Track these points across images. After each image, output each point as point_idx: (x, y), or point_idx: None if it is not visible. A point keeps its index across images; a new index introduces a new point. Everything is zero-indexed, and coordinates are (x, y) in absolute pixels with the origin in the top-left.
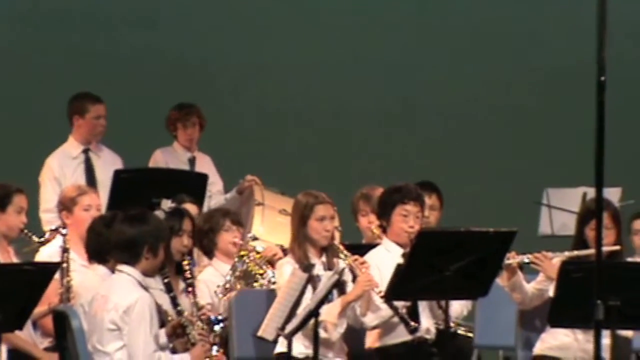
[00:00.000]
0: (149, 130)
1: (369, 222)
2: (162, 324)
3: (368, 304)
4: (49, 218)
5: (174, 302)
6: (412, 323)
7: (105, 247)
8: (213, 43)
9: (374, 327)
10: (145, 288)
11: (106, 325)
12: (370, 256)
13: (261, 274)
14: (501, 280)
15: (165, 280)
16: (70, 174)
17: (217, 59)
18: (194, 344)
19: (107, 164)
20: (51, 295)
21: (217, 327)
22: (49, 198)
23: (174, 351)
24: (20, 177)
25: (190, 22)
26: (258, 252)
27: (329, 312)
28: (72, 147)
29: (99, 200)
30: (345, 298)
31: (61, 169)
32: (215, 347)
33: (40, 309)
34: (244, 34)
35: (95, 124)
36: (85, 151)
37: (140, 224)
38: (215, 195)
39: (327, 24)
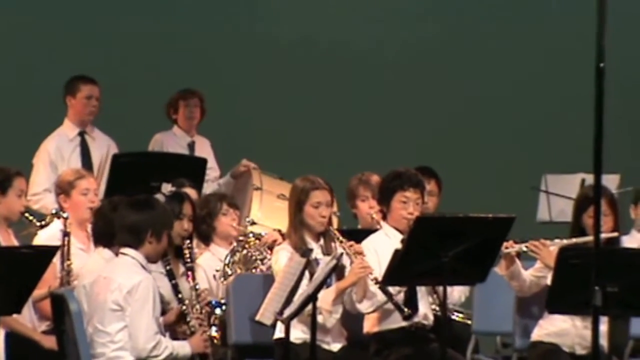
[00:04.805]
0: (145, 115)
1: (369, 207)
2: (163, 312)
3: (364, 291)
4: (35, 200)
5: (176, 290)
6: (406, 310)
7: (111, 230)
8: (214, 27)
9: (370, 313)
10: (148, 271)
11: (109, 306)
12: (370, 241)
13: (261, 260)
14: (499, 269)
15: (168, 267)
16: (67, 156)
17: (216, 41)
18: (193, 332)
19: (102, 147)
20: (50, 279)
21: (218, 311)
22: (38, 181)
23: (175, 338)
24: (13, 160)
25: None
26: (259, 238)
27: (323, 299)
28: (68, 129)
29: (97, 184)
30: (339, 285)
31: (58, 151)
32: (214, 328)
33: (39, 291)
34: (243, 14)
35: (86, 103)
36: (81, 134)
37: (145, 209)
38: (211, 181)
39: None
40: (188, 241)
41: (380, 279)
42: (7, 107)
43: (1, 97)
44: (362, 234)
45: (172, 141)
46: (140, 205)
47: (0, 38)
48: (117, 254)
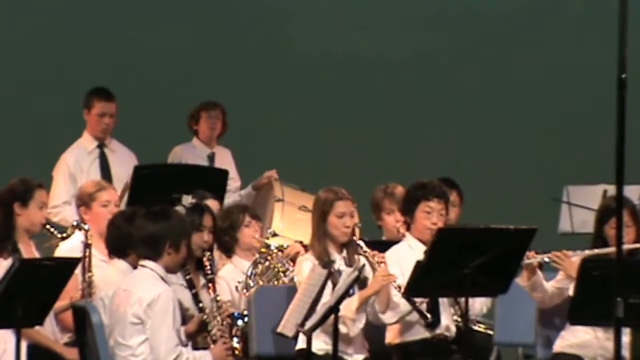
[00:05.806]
0: (164, 127)
1: (396, 220)
2: (184, 321)
3: (387, 302)
4: (55, 212)
5: (196, 300)
6: (429, 316)
7: (126, 242)
8: (235, 37)
9: (394, 324)
10: (168, 283)
11: (129, 319)
12: (393, 252)
13: (284, 272)
14: (521, 281)
15: (188, 277)
16: (87, 168)
17: (238, 51)
18: (215, 342)
19: (123, 160)
20: (72, 291)
21: (240, 323)
22: (58, 194)
23: (196, 347)
24: (32, 173)
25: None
26: (281, 250)
27: (346, 307)
28: (87, 142)
29: (118, 197)
30: (363, 293)
31: (78, 164)
32: (236, 340)
33: (61, 303)
34: (263, 24)
35: (99, 121)
36: (100, 146)
37: (162, 220)
38: (233, 192)
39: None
40: (209, 253)
41: (403, 289)
42: (27, 120)
43: (22, 109)
44: (385, 245)
45: (191, 154)
46: (157, 217)
47: (22, 48)
48: (133, 266)
